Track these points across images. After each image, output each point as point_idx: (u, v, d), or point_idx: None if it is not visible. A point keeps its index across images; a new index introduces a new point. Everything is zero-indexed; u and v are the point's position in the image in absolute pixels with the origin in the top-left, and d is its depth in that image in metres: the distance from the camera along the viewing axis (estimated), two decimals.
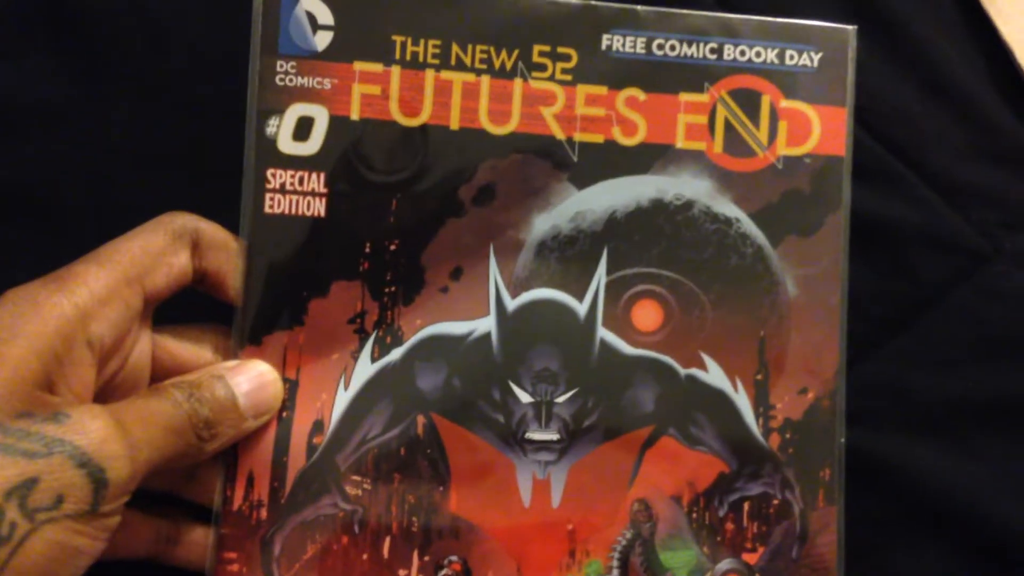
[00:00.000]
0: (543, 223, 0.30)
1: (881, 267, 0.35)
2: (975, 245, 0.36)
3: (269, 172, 0.29)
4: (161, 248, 0.27)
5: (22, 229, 0.34)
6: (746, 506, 0.30)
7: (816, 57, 0.31)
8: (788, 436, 0.30)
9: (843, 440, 0.30)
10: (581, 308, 0.30)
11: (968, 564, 0.33)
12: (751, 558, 0.30)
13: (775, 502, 0.30)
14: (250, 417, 0.27)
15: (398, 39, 0.30)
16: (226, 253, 0.28)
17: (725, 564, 0.30)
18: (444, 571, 0.29)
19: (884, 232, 0.35)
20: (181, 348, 0.29)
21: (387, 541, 0.28)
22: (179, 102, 0.34)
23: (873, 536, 0.33)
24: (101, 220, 0.33)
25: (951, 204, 0.36)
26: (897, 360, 0.35)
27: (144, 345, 0.28)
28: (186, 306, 0.29)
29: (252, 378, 0.28)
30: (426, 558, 0.29)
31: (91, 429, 0.24)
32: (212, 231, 0.28)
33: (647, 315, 0.30)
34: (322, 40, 0.30)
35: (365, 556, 0.28)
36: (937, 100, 0.37)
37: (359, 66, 0.30)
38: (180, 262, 0.28)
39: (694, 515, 0.30)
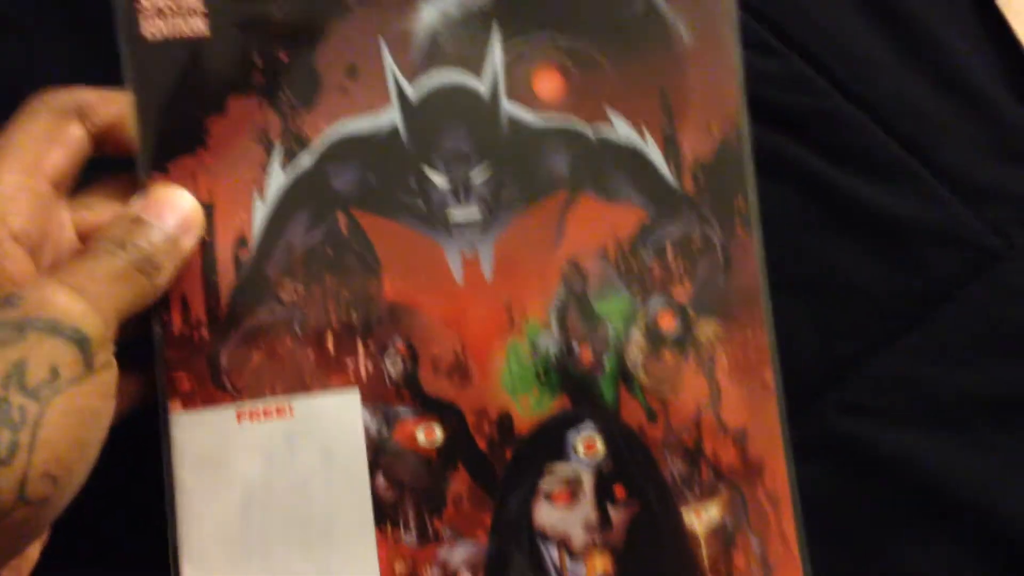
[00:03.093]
0: (430, 8, 0.31)
1: (894, 263, 0.37)
2: (988, 242, 0.37)
3: None
4: (49, 128, 0.28)
5: None
6: (669, 247, 0.32)
7: None
8: (700, 175, 0.32)
9: (752, 168, 0.32)
10: (482, 85, 0.31)
11: (977, 557, 0.35)
12: (680, 294, 0.32)
13: (696, 239, 0.32)
14: (181, 238, 0.28)
15: None
16: (114, 105, 0.29)
17: (656, 303, 0.32)
18: (390, 353, 0.30)
19: (897, 228, 0.37)
20: (95, 213, 0.29)
21: (329, 336, 0.30)
22: None
23: (883, 529, 0.35)
24: None
25: (965, 201, 0.37)
26: (909, 355, 0.36)
27: (69, 228, 0.28)
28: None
29: (166, 201, 0.29)
30: (370, 345, 0.30)
31: (48, 298, 0.25)
32: (93, 93, 0.29)
33: (548, 83, 0.31)
34: None
35: (311, 353, 0.30)
36: (951, 97, 0.38)
37: None
38: (74, 134, 0.28)
39: (621, 264, 0.32)
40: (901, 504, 0.36)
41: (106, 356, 0.26)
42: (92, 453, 0.26)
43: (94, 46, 0.34)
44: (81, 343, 0.25)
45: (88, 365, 0.25)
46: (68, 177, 0.29)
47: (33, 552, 0.29)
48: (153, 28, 0.30)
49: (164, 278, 0.28)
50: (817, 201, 0.38)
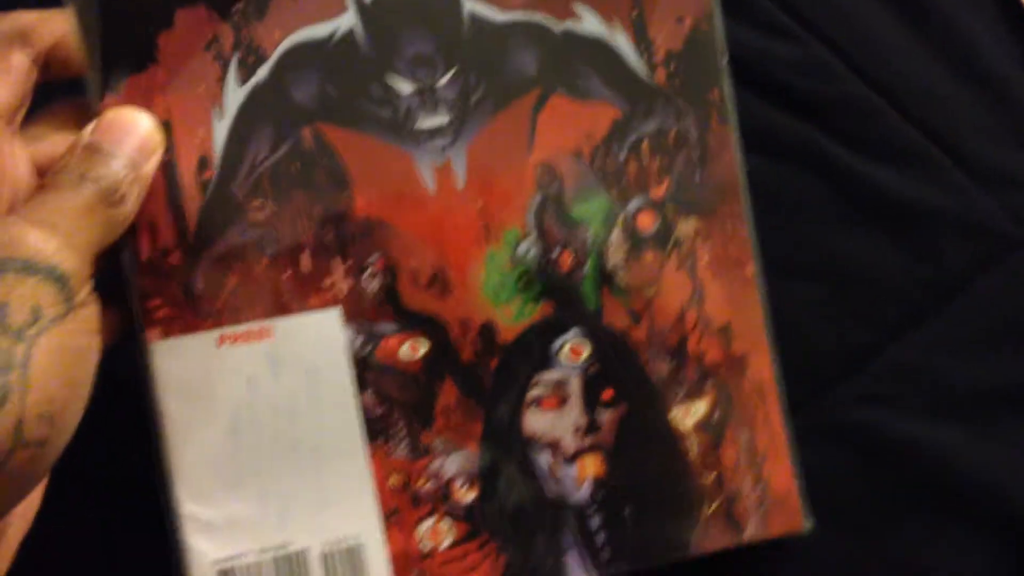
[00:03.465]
0: None
1: (912, 250, 0.37)
2: (1006, 229, 0.37)
3: None
4: None
5: None
6: (645, 144, 0.31)
7: None
8: (672, 67, 0.31)
9: (726, 60, 0.31)
10: None
11: (989, 546, 0.35)
12: (658, 192, 0.32)
13: (672, 134, 0.31)
14: (142, 163, 0.27)
15: None
16: (56, 25, 0.27)
17: (635, 203, 0.31)
18: (368, 270, 0.30)
19: (915, 215, 0.37)
20: (52, 140, 0.28)
21: (305, 254, 0.30)
22: None
23: (896, 517, 0.35)
24: None
25: (984, 189, 0.37)
26: (925, 344, 0.36)
27: (24, 162, 0.27)
28: None
29: (121, 125, 0.28)
30: (348, 262, 0.30)
31: (18, 237, 0.24)
32: (28, 15, 0.27)
33: None
34: None
35: (288, 273, 0.30)
36: (970, 84, 0.38)
37: None
38: (16, 61, 0.27)
39: (596, 164, 0.31)
40: (914, 493, 0.36)
41: (85, 291, 0.26)
42: (84, 391, 0.26)
43: None
44: (60, 280, 0.24)
45: (69, 302, 0.25)
46: (16, 109, 0.27)
47: (35, 496, 0.29)
48: None
49: (130, 207, 0.27)
50: (834, 187, 0.38)
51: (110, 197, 0.27)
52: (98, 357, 0.26)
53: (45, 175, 0.27)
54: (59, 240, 0.25)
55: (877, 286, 0.37)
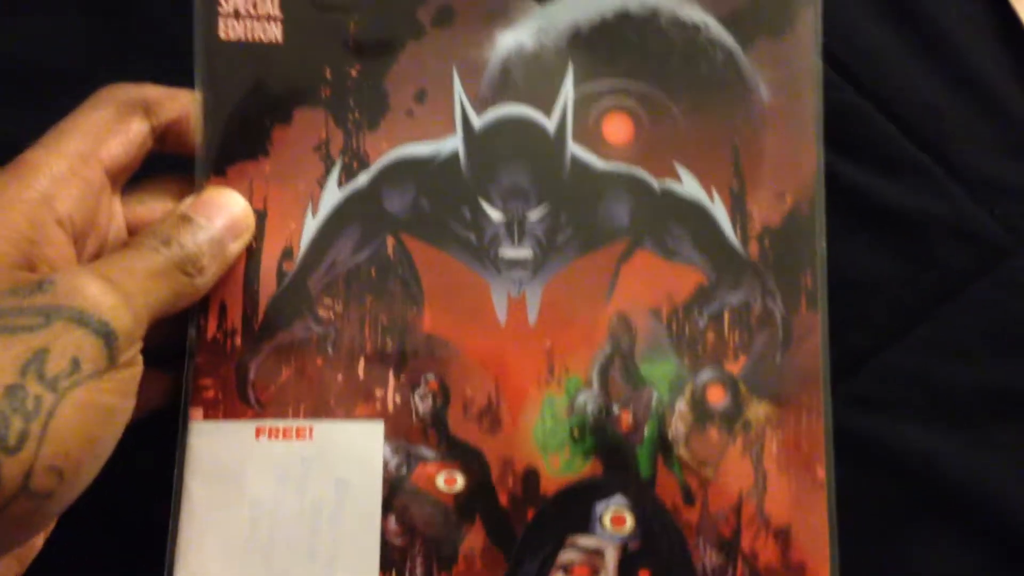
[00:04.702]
0: (506, 40, 0.32)
1: (904, 257, 0.38)
2: (998, 238, 0.38)
3: None
4: (109, 119, 0.29)
5: None
6: (726, 315, 0.31)
7: None
8: (767, 243, 0.31)
9: (824, 245, 0.31)
10: (550, 123, 0.31)
11: (984, 553, 0.35)
12: (733, 367, 0.31)
13: (756, 310, 0.31)
14: (228, 242, 0.29)
15: None
16: (180, 103, 0.30)
17: (707, 374, 0.31)
18: (421, 389, 0.30)
19: (908, 223, 0.38)
20: (147, 208, 0.31)
21: (362, 362, 0.30)
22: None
23: (889, 524, 0.35)
24: None
25: (975, 198, 0.38)
26: (919, 350, 0.37)
27: (118, 220, 0.29)
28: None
29: (219, 204, 0.29)
30: (402, 377, 0.30)
31: (81, 288, 0.25)
32: (159, 90, 0.30)
33: (618, 128, 0.32)
34: None
35: (340, 377, 0.30)
36: (964, 94, 0.39)
37: None
38: (135, 127, 0.29)
39: (673, 327, 0.31)
40: (909, 497, 0.36)
41: (132, 353, 0.26)
42: (104, 451, 0.26)
43: (96, 28, 0.36)
44: (107, 337, 0.25)
45: (111, 360, 0.25)
46: (125, 169, 0.30)
47: (36, 541, 0.29)
48: (230, 30, 0.31)
49: (205, 280, 0.29)
50: (828, 195, 0.38)
51: (187, 266, 0.28)
52: (126, 420, 0.27)
53: (133, 236, 0.29)
54: (118, 297, 0.26)
55: (870, 292, 0.37)
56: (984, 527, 0.36)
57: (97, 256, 0.29)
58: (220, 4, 0.31)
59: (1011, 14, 0.40)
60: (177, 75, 0.34)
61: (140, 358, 0.27)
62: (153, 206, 0.31)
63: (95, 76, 0.36)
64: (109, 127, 0.29)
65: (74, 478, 0.25)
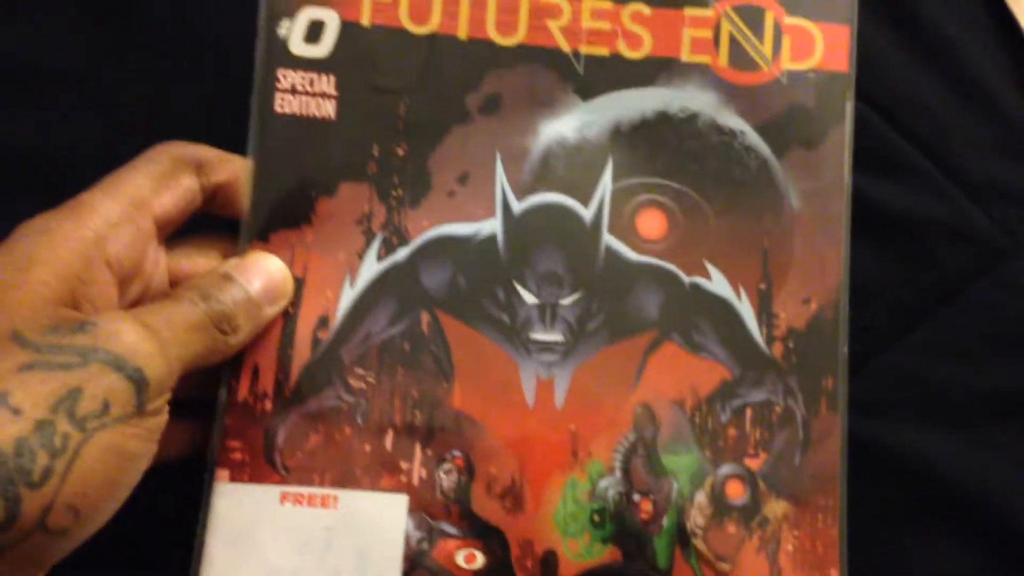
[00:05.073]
0: (549, 131, 0.33)
1: (902, 259, 0.38)
2: (996, 240, 0.39)
3: (280, 72, 0.32)
4: (164, 172, 0.30)
5: (40, 196, 0.37)
6: (748, 412, 0.32)
7: None
8: (791, 345, 0.33)
9: (846, 351, 0.33)
10: (587, 213, 0.33)
11: (984, 555, 0.36)
12: (753, 463, 0.32)
13: (777, 409, 0.32)
14: (265, 304, 0.30)
15: None
16: (231, 166, 0.31)
17: (727, 469, 0.32)
18: (446, 465, 0.31)
19: (906, 225, 0.39)
20: (192, 262, 0.32)
21: (390, 434, 0.31)
22: (196, 71, 0.38)
23: (889, 525, 0.36)
24: None
25: (973, 199, 0.39)
26: (916, 352, 0.38)
27: (162, 269, 0.31)
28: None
29: (260, 268, 0.30)
30: (428, 452, 0.31)
31: (121, 333, 0.26)
32: (213, 152, 0.32)
33: (652, 223, 0.33)
34: None
35: (368, 448, 0.31)
36: (961, 96, 0.40)
37: None
38: (186, 183, 0.31)
39: (696, 420, 0.32)
40: (908, 500, 0.36)
41: (160, 402, 0.27)
42: (121, 494, 0.27)
43: (95, 29, 0.37)
44: (139, 384, 0.26)
45: (140, 407, 0.26)
46: (172, 222, 0.31)
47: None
48: (285, 104, 0.32)
49: (238, 339, 0.29)
50: None
51: (222, 323, 0.29)
52: (146, 466, 0.27)
53: (175, 288, 0.30)
54: (155, 346, 0.27)
55: (869, 295, 0.37)
56: (984, 528, 0.36)
57: (138, 302, 0.30)
58: (278, 80, 0.32)
59: (1009, 17, 0.41)
60: (175, 76, 0.37)
61: (167, 408, 0.28)
62: (197, 261, 0.32)
63: (94, 76, 0.37)
64: (163, 179, 0.30)
65: (90, 518, 0.25)
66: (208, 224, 0.33)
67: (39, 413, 0.24)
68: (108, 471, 0.25)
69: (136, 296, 0.30)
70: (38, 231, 0.27)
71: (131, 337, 0.26)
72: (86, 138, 0.37)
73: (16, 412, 0.24)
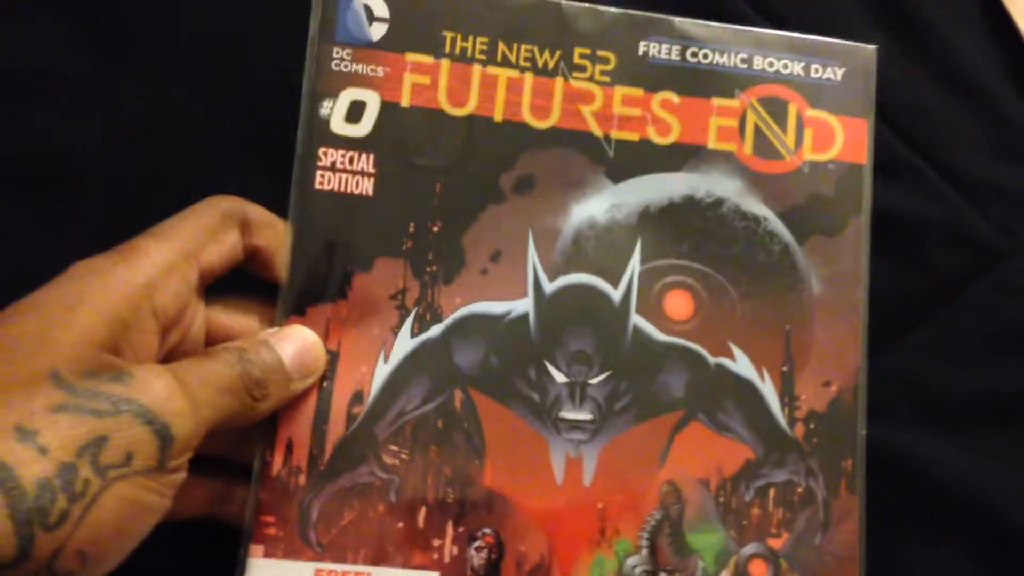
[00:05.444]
0: (580, 212, 0.34)
1: (900, 261, 0.39)
2: (993, 241, 0.40)
3: (321, 151, 0.33)
4: (214, 226, 0.31)
5: (38, 199, 0.37)
6: (771, 492, 0.33)
7: (840, 72, 0.36)
8: (812, 426, 0.34)
9: (864, 433, 0.34)
10: (616, 294, 0.34)
11: (982, 556, 0.36)
12: (775, 543, 0.33)
13: (799, 490, 0.33)
14: (296, 377, 0.31)
15: (448, 34, 0.34)
16: (274, 231, 0.32)
17: (750, 548, 0.33)
18: (478, 542, 0.32)
19: (903, 227, 0.39)
20: (231, 319, 0.32)
21: (422, 511, 0.32)
22: (194, 72, 0.38)
23: (887, 527, 0.36)
24: (116, 190, 0.37)
25: (970, 200, 0.40)
26: (914, 354, 0.38)
27: (200, 319, 0.31)
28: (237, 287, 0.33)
29: (295, 341, 0.31)
30: (460, 529, 0.32)
31: (155, 387, 0.27)
32: (260, 212, 0.32)
33: (679, 305, 0.34)
34: (377, 31, 0.34)
35: (400, 525, 0.31)
36: (957, 96, 0.41)
37: (411, 57, 0.34)
38: (231, 239, 0.31)
39: (721, 499, 0.33)
40: (904, 501, 0.36)
41: (183, 460, 0.28)
42: (129, 545, 0.27)
43: (93, 31, 0.37)
44: (164, 439, 0.27)
45: (162, 462, 0.27)
46: (212, 274, 0.31)
47: None
48: (325, 181, 0.33)
49: (265, 407, 0.30)
50: None
51: (254, 389, 0.29)
52: (158, 520, 0.27)
53: (213, 347, 0.30)
54: (186, 403, 0.27)
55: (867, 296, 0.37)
56: (980, 529, 0.36)
57: (175, 350, 0.30)
58: (319, 158, 0.33)
59: (1006, 17, 0.41)
60: (171, 78, 0.37)
61: (186, 466, 0.28)
62: (235, 318, 0.32)
63: (94, 78, 0.37)
64: (212, 232, 0.31)
65: (96, 565, 0.26)
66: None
67: (65, 456, 0.25)
68: (122, 521, 0.26)
69: (173, 344, 0.30)
70: (91, 272, 0.28)
71: (165, 393, 0.27)
72: (86, 140, 0.37)
73: (43, 451, 0.24)
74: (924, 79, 0.41)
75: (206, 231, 0.31)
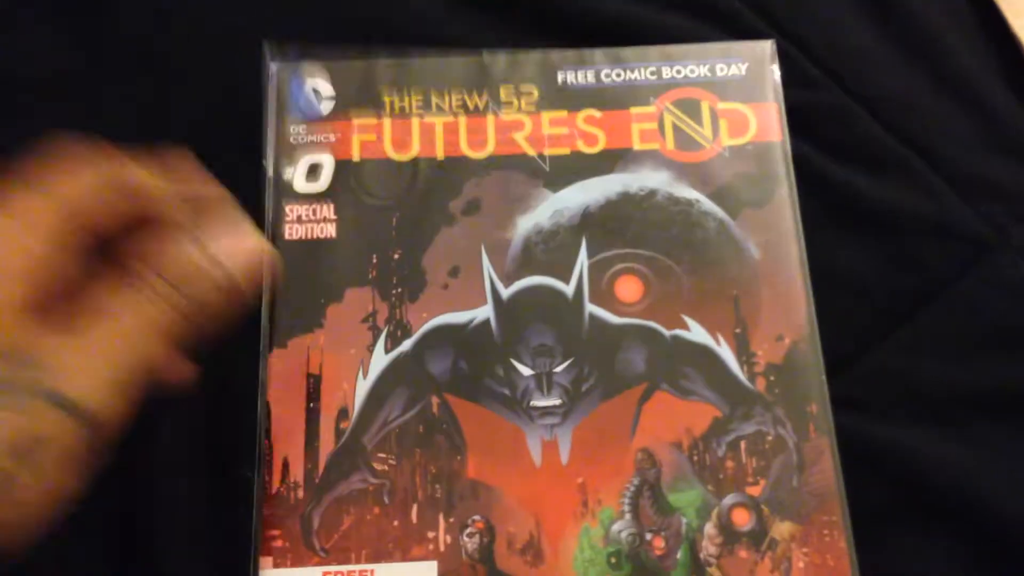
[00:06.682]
0: (526, 223, 0.39)
1: (890, 256, 0.40)
2: (982, 235, 0.41)
3: (287, 208, 0.39)
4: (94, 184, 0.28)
5: None
6: (743, 444, 0.36)
7: (743, 67, 0.41)
8: (772, 378, 0.37)
9: (824, 377, 0.37)
10: (568, 289, 0.38)
11: (973, 552, 0.36)
12: (754, 491, 0.35)
13: (769, 438, 0.36)
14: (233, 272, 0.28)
15: (387, 98, 0.40)
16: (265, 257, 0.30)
17: (730, 498, 0.35)
18: (469, 529, 0.35)
19: (892, 221, 0.41)
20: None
21: (414, 508, 0.35)
22: (181, 78, 0.42)
23: (878, 523, 0.37)
24: None
25: (960, 195, 0.41)
26: (904, 349, 0.40)
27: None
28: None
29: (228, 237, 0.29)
30: (451, 519, 0.35)
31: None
32: (147, 178, 0.29)
33: (629, 289, 0.38)
34: (326, 107, 0.40)
35: (396, 523, 0.35)
36: (948, 92, 0.43)
37: (357, 120, 0.40)
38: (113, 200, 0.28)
39: (695, 458, 0.36)
40: (894, 497, 0.36)
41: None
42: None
43: (76, 33, 0.40)
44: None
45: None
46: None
47: None
48: (294, 232, 0.39)
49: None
50: (813, 193, 0.40)
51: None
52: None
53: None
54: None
55: (855, 291, 0.39)
56: (970, 525, 0.36)
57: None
58: (287, 213, 0.39)
59: (996, 12, 0.43)
60: (165, 80, 0.40)
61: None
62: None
63: (93, 81, 0.40)
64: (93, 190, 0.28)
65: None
66: None
67: None
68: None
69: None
70: None
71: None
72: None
73: None
74: (916, 75, 0.42)
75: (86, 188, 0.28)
